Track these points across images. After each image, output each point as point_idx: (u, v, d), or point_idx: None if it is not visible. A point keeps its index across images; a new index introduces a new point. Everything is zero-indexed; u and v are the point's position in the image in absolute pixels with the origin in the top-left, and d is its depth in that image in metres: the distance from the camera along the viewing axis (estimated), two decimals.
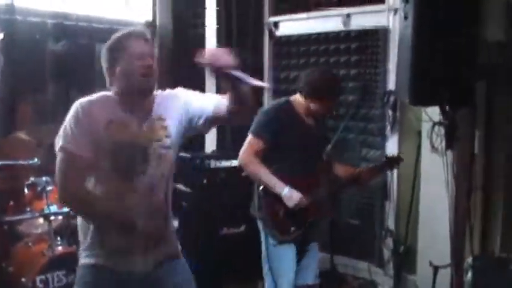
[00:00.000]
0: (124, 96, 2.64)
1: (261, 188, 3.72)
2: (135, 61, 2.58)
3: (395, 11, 5.08)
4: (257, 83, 2.51)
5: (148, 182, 2.64)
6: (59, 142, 2.55)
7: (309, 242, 3.89)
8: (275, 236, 3.69)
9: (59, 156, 2.54)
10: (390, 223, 5.29)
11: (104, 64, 2.68)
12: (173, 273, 2.77)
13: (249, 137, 3.79)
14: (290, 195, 3.64)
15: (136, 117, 2.66)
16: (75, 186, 2.54)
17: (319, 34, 5.71)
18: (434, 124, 4.58)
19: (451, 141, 4.39)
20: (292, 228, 3.70)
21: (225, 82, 2.55)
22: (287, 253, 3.74)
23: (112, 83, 2.67)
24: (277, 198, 3.66)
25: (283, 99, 3.95)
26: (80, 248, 2.72)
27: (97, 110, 2.59)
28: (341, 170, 4.04)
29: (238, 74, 2.45)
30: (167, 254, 2.77)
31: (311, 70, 4.00)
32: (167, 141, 2.71)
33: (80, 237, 2.72)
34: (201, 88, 5.68)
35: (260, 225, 3.79)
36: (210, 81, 5.91)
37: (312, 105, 3.81)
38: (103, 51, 2.67)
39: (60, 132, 2.57)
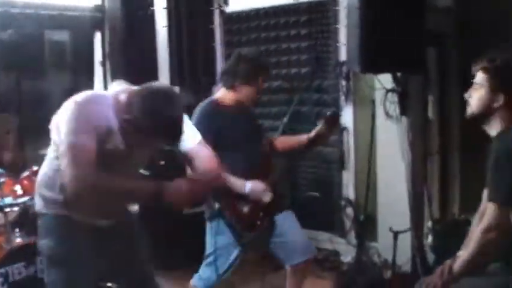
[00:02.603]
0: None
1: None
2: None
3: None
4: None
5: None
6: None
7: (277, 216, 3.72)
8: (242, 236, 3.54)
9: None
10: (350, 193, 5.33)
11: None
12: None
13: None
14: (254, 189, 3.52)
15: None
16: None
17: (268, 8, 5.68)
18: (387, 91, 4.62)
19: (404, 107, 4.46)
20: (259, 222, 3.59)
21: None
22: (233, 252, 3.62)
23: None
24: (236, 196, 3.53)
25: (206, 100, 3.77)
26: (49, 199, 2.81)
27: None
28: (285, 142, 3.93)
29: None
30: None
31: (229, 58, 3.84)
32: None
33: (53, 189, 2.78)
34: (153, 72, 5.66)
35: (214, 226, 3.59)
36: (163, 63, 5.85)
37: (238, 92, 3.68)
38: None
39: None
